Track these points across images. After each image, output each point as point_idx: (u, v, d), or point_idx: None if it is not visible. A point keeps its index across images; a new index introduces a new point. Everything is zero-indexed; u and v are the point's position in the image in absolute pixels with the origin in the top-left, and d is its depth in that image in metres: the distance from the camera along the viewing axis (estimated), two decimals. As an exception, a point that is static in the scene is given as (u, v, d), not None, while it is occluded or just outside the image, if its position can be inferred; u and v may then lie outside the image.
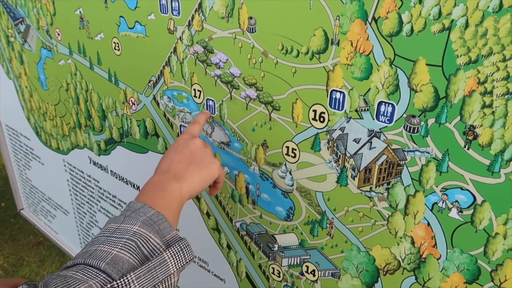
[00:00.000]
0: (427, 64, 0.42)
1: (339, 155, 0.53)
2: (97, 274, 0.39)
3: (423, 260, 0.50)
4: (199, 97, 0.67)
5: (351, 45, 0.47)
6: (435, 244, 0.48)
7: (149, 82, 0.75)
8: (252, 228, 0.69)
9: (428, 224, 0.48)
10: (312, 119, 0.54)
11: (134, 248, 0.42)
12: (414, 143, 0.46)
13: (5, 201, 2.49)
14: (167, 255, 0.43)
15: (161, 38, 0.68)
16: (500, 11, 0.36)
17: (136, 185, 0.91)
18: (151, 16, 0.68)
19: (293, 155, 0.58)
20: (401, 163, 0.48)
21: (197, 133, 0.60)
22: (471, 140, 0.42)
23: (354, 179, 0.52)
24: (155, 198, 0.50)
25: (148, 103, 0.78)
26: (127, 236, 0.43)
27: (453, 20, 0.39)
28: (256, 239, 0.69)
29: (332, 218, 0.57)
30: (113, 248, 0.42)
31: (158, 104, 0.75)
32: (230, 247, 0.75)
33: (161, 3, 0.65)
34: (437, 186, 0.46)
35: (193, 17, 0.62)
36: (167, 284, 0.42)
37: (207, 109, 0.67)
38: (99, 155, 0.99)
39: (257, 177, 0.64)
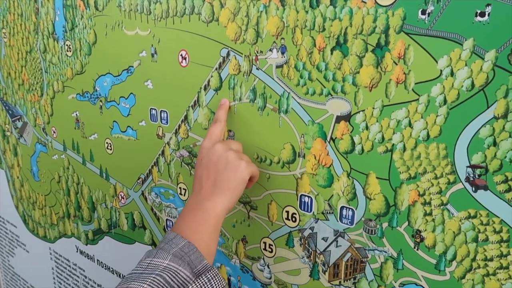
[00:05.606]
0: (377, 177, 0.50)
1: (311, 251, 0.59)
2: None
3: None
4: (184, 195, 0.74)
5: (315, 158, 0.55)
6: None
7: (138, 179, 0.82)
8: (235, 319, 0.72)
9: (392, 316, 0.53)
10: (286, 218, 0.60)
11: (163, 284, 0.45)
12: (373, 243, 0.53)
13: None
14: (195, 287, 0.46)
15: (151, 142, 0.76)
16: (428, 140, 0.45)
17: (122, 274, 0.94)
18: (142, 123, 0.76)
19: (270, 250, 0.64)
20: (363, 260, 0.54)
21: (219, 135, 0.58)
22: (419, 242, 0.49)
23: (325, 273, 0.58)
24: (189, 222, 0.53)
25: (136, 198, 0.84)
26: (157, 272, 0.46)
27: (393, 144, 0.48)
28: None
29: (308, 309, 0.61)
30: (141, 284, 0.45)
31: (146, 199, 0.82)
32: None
33: (151, 113, 0.74)
34: (396, 282, 0.52)
35: (179, 126, 0.70)
36: None
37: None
38: (86, 245, 1.02)
39: (238, 270, 0.69)
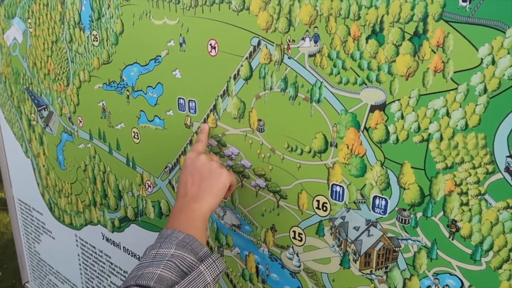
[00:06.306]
0: (412, 167, 0.50)
1: (341, 241, 0.59)
2: None
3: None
4: (212, 184, 0.74)
5: (347, 148, 0.55)
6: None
7: (165, 168, 0.83)
8: (262, 306, 0.73)
9: (424, 305, 0.53)
10: (316, 208, 0.61)
11: (174, 267, 0.52)
12: (406, 232, 0.53)
13: (2, 270, 2.47)
14: (203, 268, 0.53)
15: (178, 131, 0.76)
16: (466, 129, 0.45)
17: (148, 261, 0.96)
18: (169, 112, 0.77)
19: (299, 239, 0.64)
20: (396, 249, 0.54)
21: (202, 149, 0.66)
22: (454, 232, 0.49)
23: (355, 262, 0.58)
24: (181, 220, 0.60)
25: (163, 187, 0.85)
26: (167, 258, 0.53)
27: (430, 133, 0.48)
28: (266, 316, 0.73)
29: (337, 297, 0.62)
30: (156, 269, 0.51)
31: (173, 187, 0.83)
32: (241, 324, 0.78)
33: (179, 102, 0.74)
34: (429, 271, 0.52)
35: (208, 116, 0.71)
36: None
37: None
38: (112, 232, 1.04)
39: (266, 258, 0.70)
